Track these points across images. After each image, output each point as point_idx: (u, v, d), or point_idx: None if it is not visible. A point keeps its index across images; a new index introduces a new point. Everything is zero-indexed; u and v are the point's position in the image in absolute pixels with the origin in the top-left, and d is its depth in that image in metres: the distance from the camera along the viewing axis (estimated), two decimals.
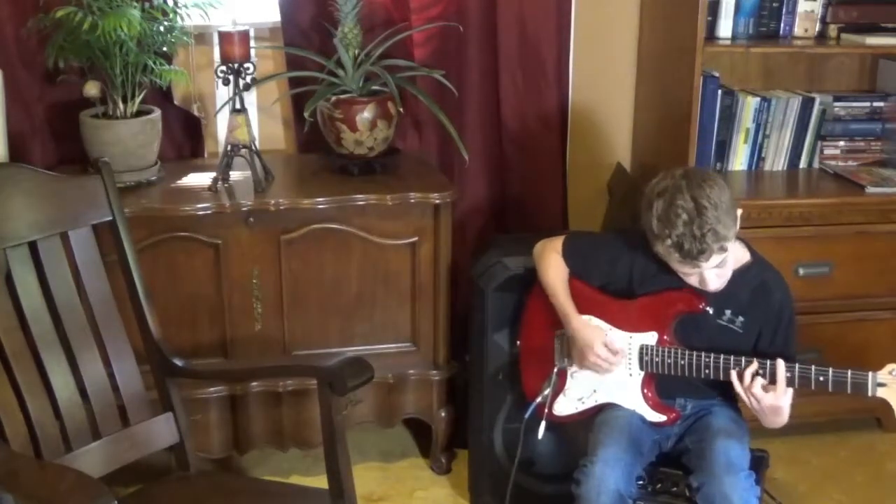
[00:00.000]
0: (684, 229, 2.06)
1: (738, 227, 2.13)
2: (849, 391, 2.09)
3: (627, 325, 2.29)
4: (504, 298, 2.58)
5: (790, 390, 2.13)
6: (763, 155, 3.12)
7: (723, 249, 2.09)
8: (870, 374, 2.07)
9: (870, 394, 2.07)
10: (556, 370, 2.41)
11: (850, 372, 2.08)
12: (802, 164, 3.17)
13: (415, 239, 2.72)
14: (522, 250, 2.51)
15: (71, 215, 2.11)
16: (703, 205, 2.06)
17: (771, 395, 2.12)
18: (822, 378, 2.09)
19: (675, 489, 2.26)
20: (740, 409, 2.34)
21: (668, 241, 2.09)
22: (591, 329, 2.30)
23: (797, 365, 2.11)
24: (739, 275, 2.23)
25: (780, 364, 2.11)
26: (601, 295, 2.33)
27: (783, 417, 2.18)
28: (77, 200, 2.13)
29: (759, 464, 2.29)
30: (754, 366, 2.13)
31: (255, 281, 2.64)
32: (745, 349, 2.19)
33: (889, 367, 2.07)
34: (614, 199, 3.31)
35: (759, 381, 2.12)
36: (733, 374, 2.15)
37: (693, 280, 2.17)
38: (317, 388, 2.11)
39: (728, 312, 2.24)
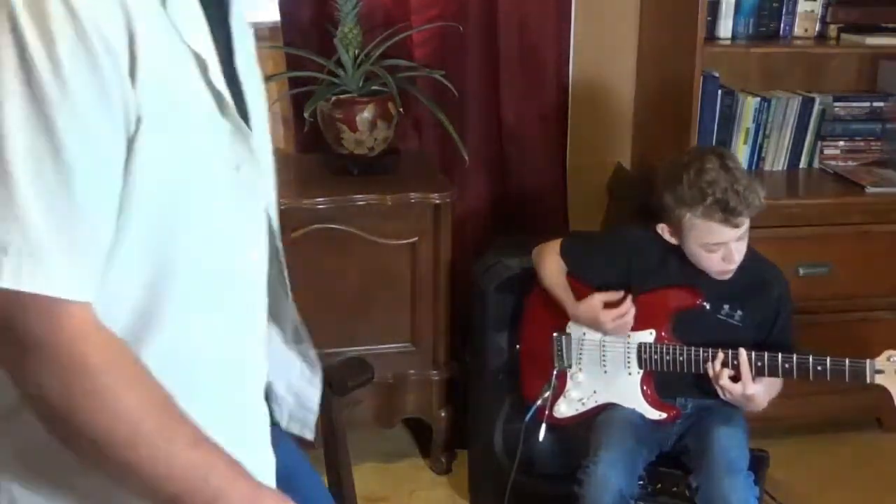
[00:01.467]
0: (726, 185, 2.08)
1: None
2: (847, 379, 2.11)
3: None
4: (504, 298, 2.58)
5: (766, 379, 2.17)
6: (763, 155, 3.12)
7: (759, 208, 2.12)
8: (867, 361, 2.09)
9: (868, 380, 2.08)
10: (555, 372, 2.41)
11: (847, 360, 2.10)
12: (802, 164, 3.16)
13: (415, 239, 2.72)
14: (522, 250, 2.51)
15: None
16: (732, 166, 2.12)
17: (739, 386, 2.14)
18: (819, 367, 2.11)
19: (675, 489, 2.26)
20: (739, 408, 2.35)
21: (709, 200, 2.09)
22: (586, 305, 2.30)
23: (794, 355, 2.12)
24: (738, 269, 2.24)
25: (743, 354, 2.13)
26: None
27: (757, 404, 2.21)
28: None
29: (759, 464, 2.29)
30: (720, 357, 2.16)
31: None
32: (745, 343, 2.20)
33: (886, 353, 2.09)
34: (614, 199, 3.31)
35: (727, 372, 2.15)
36: (708, 367, 2.17)
37: (715, 259, 2.17)
38: None
39: (727, 307, 2.24)
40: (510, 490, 2.51)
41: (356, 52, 2.78)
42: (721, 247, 2.15)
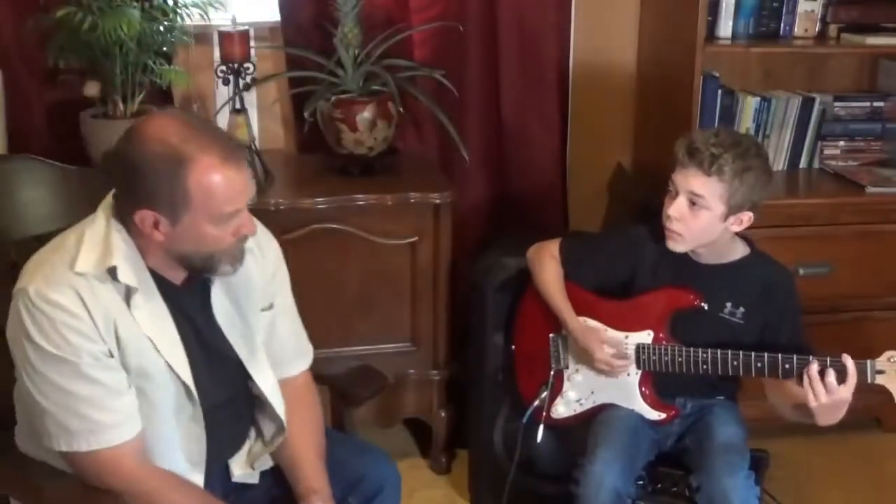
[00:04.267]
0: (712, 139, 2.11)
1: (751, 202, 2.14)
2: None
3: (623, 324, 2.29)
4: (504, 298, 2.58)
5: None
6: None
7: (720, 172, 2.08)
8: (868, 361, 2.06)
9: (868, 381, 2.06)
10: (552, 373, 2.40)
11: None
12: (802, 164, 3.17)
13: (415, 239, 2.72)
14: (522, 250, 2.50)
15: (77, 210, 2.10)
16: (744, 149, 2.12)
17: (843, 388, 2.03)
18: (820, 368, 2.08)
19: (675, 489, 2.26)
20: (739, 408, 2.35)
21: (688, 138, 2.13)
22: (589, 331, 2.30)
23: (794, 356, 2.09)
24: (739, 267, 2.24)
25: (848, 359, 2.05)
26: (596, 297, 2.33)
27: (843, 412, 2.09)
28: (82, 195, 2.12)
29: (759, 464, 2.28)
30: (816, 365, 2.06)
31: None
32: (747, 342, 2.18)
33: (887, 354, 2.06)
34: (614, 199, 3.31)
35: (832, 372, 2.03)
36: (807, 370, 2.05)
37: (667, 206, 2.17)
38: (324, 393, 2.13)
39: (729, 305, 2.23)
40: (509, 490, 2.51)
41: (356, 52, 2.78)
42: (672, 190, 2.16)
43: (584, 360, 2.34)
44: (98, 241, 1.67)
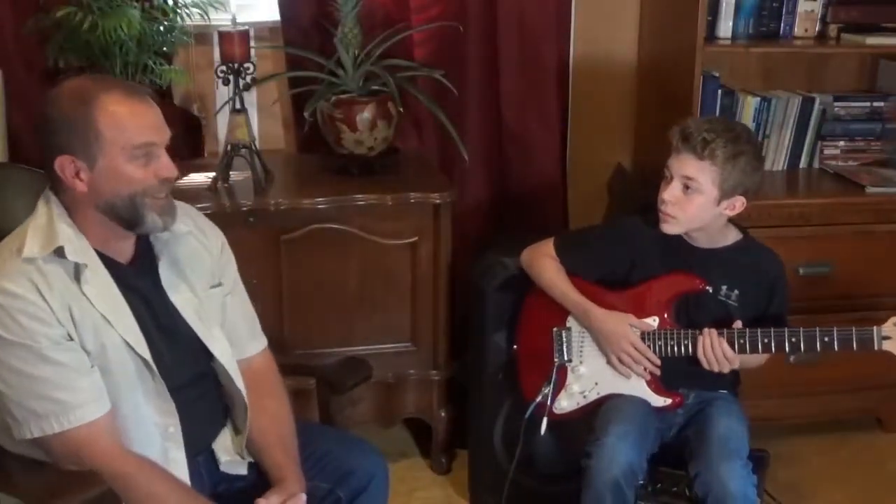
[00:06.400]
0: (705, 125, 2.16)
1: (743, 187, 2.18)
2: (854, 348, 2.12)
3: (628, 312, 2.29)
4: (504, 298, 2.58)
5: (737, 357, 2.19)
6: (763, 155, 3.10)
7: (712, 156, 2.12)
8: (874, 328, 2.09)
9: (875, 347, 2.10)
10: (555, 366, 2.40)
11: (854, 329, 2.10)
12: (802, 164, 3.17)
13: (415, 239, 2.72)
14: (522, 250, 2.50)
15: None
16: (735, 134, 2.17)
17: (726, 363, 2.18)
18: (826, 339, 2.12)
19: (675, 489, 2.26)
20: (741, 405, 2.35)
21: (682, 125, 2.17)
22: (618, 317, 2.28)
23: (801, 329, 2.13)
24: (733, 251, 2.27)
25: (724, 341, 2.17)
26: (598, 287, 2.33)
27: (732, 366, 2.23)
28: None
29: (759, 464, 2.28)
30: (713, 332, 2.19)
31: (254, 281, 2.63)
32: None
33: (893, 319, 2.10)
34: (614, 200, 3.31)
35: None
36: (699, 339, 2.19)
37: (663, 189, 2.20)
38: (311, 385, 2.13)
39: (724, 288, 2.26)
40: (509, 489, 2.51)
41: (356, 52, 2.79)
42: (667, 178, 2.20)
43: (600, 350, 2.33)
44: (42, 226, 1.73)
